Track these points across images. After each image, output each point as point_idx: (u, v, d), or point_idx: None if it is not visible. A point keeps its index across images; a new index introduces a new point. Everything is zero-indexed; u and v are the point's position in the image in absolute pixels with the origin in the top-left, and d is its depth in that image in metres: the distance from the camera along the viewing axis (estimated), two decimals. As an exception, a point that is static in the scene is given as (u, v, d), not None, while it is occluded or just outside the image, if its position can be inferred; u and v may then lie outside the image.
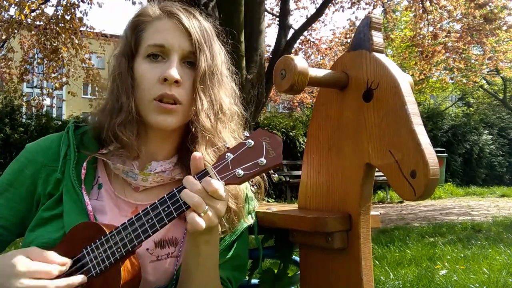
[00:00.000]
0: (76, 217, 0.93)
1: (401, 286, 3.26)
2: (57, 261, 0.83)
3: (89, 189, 0.98)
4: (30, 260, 0.81)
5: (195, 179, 0.84)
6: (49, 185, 0.97)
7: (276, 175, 0.87)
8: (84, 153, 1.00)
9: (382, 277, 3.43)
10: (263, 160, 0.83)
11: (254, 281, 1.22)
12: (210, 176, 0.83)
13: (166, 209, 0.84)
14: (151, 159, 1.02)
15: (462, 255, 4.22)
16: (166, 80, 0.94)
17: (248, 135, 0.86)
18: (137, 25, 1.00)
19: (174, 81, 0.94)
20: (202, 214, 0.81)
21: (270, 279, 1.17)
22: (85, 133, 1.04)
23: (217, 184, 0.81)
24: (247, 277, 1.20)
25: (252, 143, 0.84)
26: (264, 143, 0.84)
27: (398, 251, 4.46)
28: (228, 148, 0.86)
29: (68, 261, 0.85)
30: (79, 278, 0.84)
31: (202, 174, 0.85)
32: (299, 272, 1.11)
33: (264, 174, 1.03)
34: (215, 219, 0.84)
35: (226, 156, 0.85)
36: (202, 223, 0.81)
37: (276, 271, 1.18)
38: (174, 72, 0.94)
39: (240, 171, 0.83)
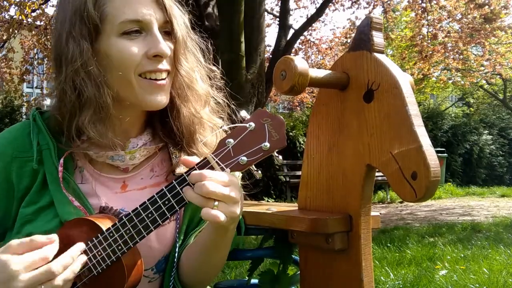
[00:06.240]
0: (69, 206, 0.88)
1: (401, 286, 3.26)
2: (45, 241, 0.75)
3: (72, 175, 0.93)
4: (17, 256, 0.72)
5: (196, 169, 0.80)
6: (23, 177, 0.91)
7: (260, 172, 0.83)
8: (60, 147, 0.92)
9: (382, 277, 3.43)
10: (266, 144, 0.79)
11: (254, 281, 1.22)
12: (212, 166, 0.80)
13: (166, 202, 0.80)
14: (128, 137, 0.98)
15: (462, 255, 4.22)
16: (156, 56, 0.88)
17: (248, 116, 0.82)
18: None
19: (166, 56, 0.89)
20: (215, 208, 0.77)
21: (270, 279, 1.17)
22: (49, 119, 0.96)
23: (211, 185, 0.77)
24: (246, 277, 1.20)
25: (254, 125, 0.80)
26: (266, 125, 0.80)
27: (398, 251, 4.45)
28: (225, 131, 0.82)
29: (54, 236, 0.77)
30: (78, 247, 0.79)
31: (203, 164, 0.81)
32: (299, 272, 1.11)
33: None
34: (233, 206, 0.79)
35: (226, 142, 0.80)
36: (220, 215, 0.77)
37: (276, 271, 1.18)
38: (165, 46, 0.88)
39: (243, 158, 0.79)
